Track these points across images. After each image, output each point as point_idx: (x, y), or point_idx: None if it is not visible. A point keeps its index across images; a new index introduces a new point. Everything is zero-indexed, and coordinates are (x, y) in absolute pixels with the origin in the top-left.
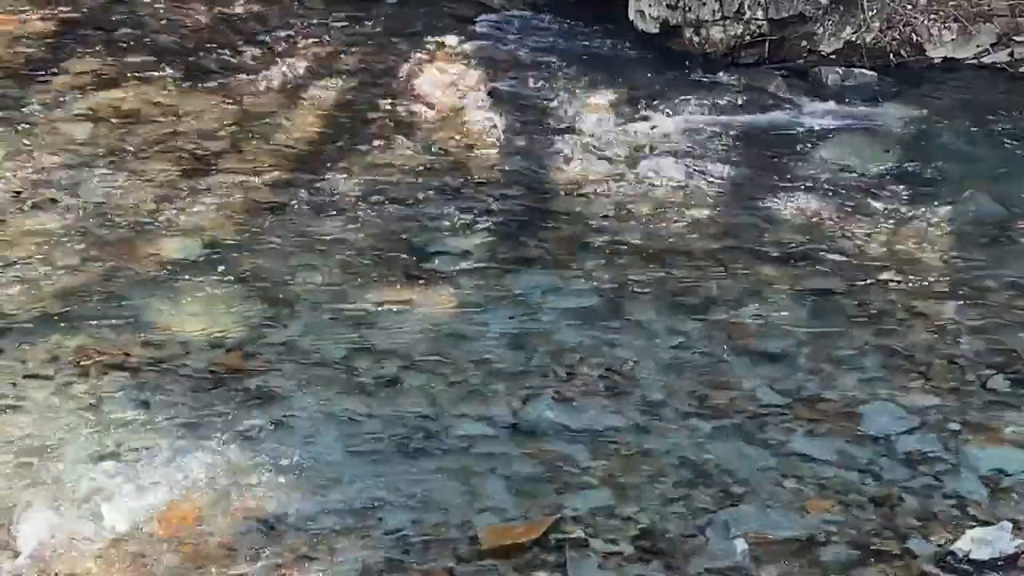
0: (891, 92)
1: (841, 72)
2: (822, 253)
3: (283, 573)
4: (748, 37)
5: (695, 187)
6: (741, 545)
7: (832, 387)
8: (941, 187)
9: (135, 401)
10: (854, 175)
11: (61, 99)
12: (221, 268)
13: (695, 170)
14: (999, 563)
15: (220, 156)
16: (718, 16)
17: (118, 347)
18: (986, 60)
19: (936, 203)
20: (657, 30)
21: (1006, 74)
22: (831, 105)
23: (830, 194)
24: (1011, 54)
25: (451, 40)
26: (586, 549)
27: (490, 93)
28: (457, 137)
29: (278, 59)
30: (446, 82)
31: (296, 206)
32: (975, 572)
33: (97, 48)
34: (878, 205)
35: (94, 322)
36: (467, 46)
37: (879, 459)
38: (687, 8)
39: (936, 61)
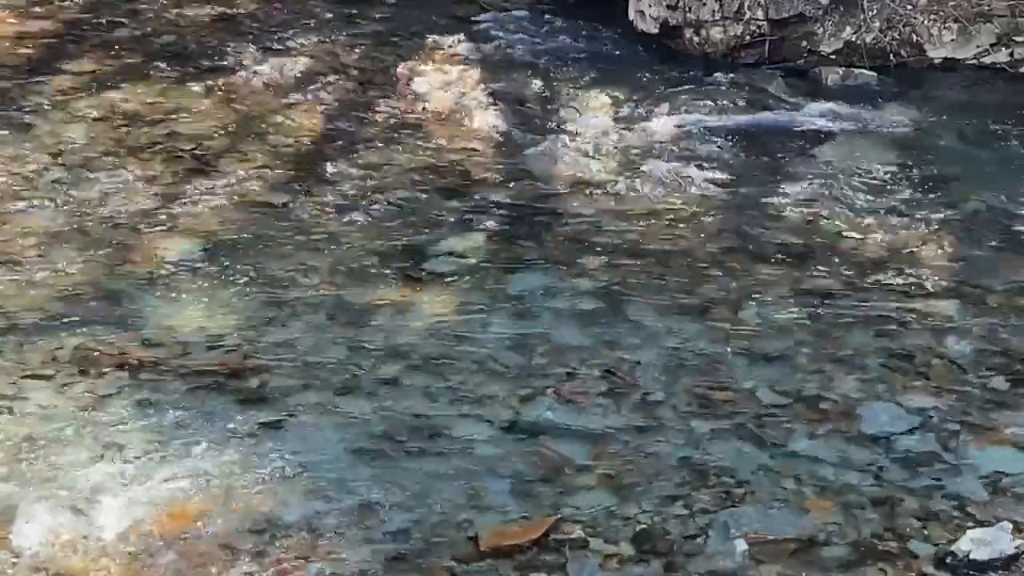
0: (891, 92)
1: (841, 72)
2: (822, 253)
3: (283, 573)
4: (748, 37)
5: (695, 187)
6: (741, 545)
7: (832, 387)
8: (941, 187)
9: (135, 401)
10: (854, 175)
11: (61, 99)
12: (221, 268)
13: (695, 170)
14: (999, 563)
15: (220, 156)
16: (718, 16)
17: (118, 347)
18: (986, 60)
19: (936, 203)
20: (657, 30)
21: (1006, 74)
22: (831, 105)
23: (830, 194)
24: (1011, 54)
25: (451, 40)
26: (586, 549)
27: (490, 93)
28: (457, 137)
29: (278, 59)
30: (446, 82)
31: (296, 206)
32: (975, 572)
33: (97, 48)
34: (878, 205)
35: (94, 322)
36: (467, 46)
37: (879, 459)
38: (687, 8)
39: (936, 61)
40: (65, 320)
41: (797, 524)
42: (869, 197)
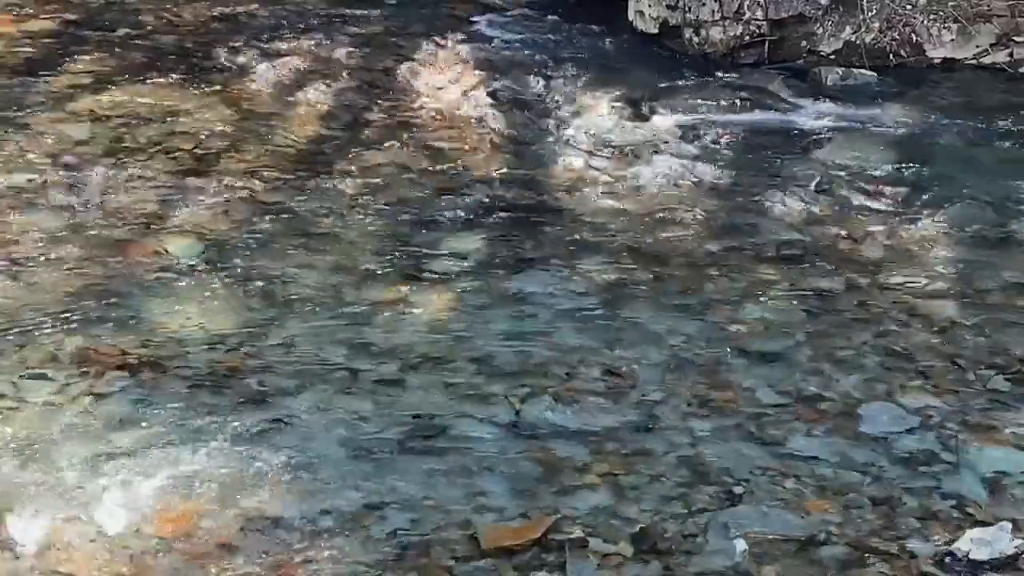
0: (891, 92)
1: (841, 72)
2: (822, 253)
3: (283, 573)
4: (748, 37)
5: (695, 187)
6: (741, 545)
7: (832, 387)
8: (941, 187)
9: (135, 401)
10: (854, 175)
11: (61, 99)
12: (221, 268)
13: (695, 170)
14: (999, 563)
15: (220, 156)
16: (718, 16)
17: (118, 347)
18: (986, 60)
19: (936, 203)
20: (657, 30)
21: (1006, 74)
22: (831, 105)
23: (830, 194)
24: (1011, 54)
25: (451, 40)
26: (586, 549)
27: (490, 93)
28: (457, 137)
29: (278, 59)
30: (446, 82)
31: (296, 206)
32: (975, 572)
33: (97, 48)
34: (878, 205)
35: (94, 322)
36: (467, 46)
37: (879, 459)
38: (687, 8)
39: (936, 61)
40: (65, 320)
41: (797, 524)
42: (869, 197)
